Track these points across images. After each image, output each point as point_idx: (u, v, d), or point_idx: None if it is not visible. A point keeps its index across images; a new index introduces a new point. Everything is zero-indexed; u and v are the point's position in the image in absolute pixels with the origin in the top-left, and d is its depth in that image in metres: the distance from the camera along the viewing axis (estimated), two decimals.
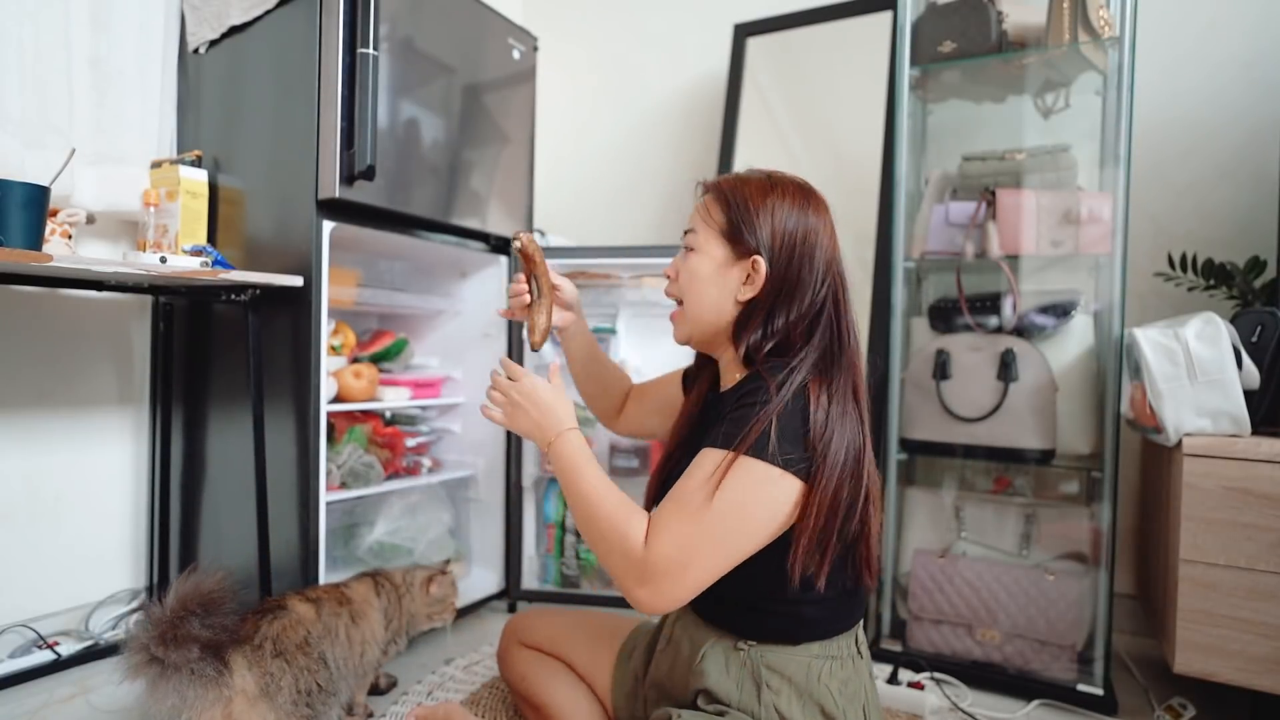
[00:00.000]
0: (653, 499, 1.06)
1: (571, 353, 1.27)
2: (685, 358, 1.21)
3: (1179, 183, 1.87)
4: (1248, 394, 1.34)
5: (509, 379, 1.01)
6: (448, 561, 1.55)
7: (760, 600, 0.94)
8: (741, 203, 0.95)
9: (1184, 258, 1.70)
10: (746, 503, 0.84)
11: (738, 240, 0.95)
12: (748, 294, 0.95)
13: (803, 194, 0.97)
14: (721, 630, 0.99)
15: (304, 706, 1.17)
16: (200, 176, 1.60)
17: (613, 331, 2.05)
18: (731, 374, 1.01)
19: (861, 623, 1.02)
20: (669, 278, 1.04)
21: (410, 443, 1.93)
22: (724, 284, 0.96)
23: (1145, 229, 1.88)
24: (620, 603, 1.88)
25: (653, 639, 1.14)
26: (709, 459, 0.86)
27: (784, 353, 0.93)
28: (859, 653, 1.00)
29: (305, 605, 1.26)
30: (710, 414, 1.02)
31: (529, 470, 1.98)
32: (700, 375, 1.12)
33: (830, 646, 0.96)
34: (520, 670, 1.26)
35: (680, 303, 1.02)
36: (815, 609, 0.94)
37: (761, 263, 0.93)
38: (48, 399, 1.63)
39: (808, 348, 0.92)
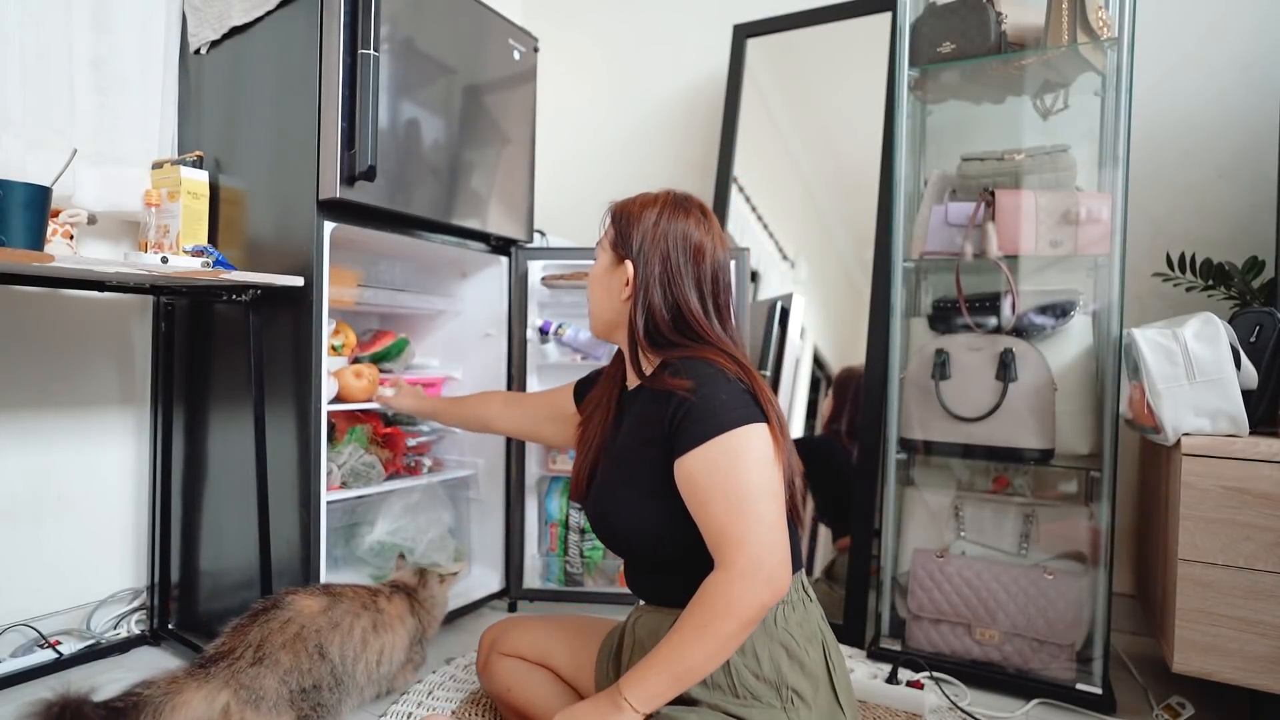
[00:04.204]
0: (582, 494, 1.18)
1: (442, 420, 1.65)
2: None
3: (1178, 183, 1.88)
4: (1246, 394, 1.34)
5: None
6: (455, 574, 1.63)
7: (703, 563, 0.94)
8: (623, 217, 1.11)
9: (1182, 258, 1.70)
10: (755, 464, 0.92)
11: (617, 248, 1.11)
12: (627, 293, 1.09)
13: (675, 204, 1.10)
14: (676, 608, 0.99)
15: (301, 702, 1.17)
16: (201, 177, 1.61)
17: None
18: (635, 364, 1.11)
19: (803, 570, 1.09)
20: None
21: (411, 442, 1.94)
22: (609, 286, 1.12)
23: (1144, 229, 1.88)
24: (622, 600, 1.89)
25: (620, 643, 1.15)
26: (700, 459, 0.93)
27: (679, 333, 1.06)
28: (808, 595, 1.07)
29: (313, 599, 1.26)
30: (626, 410, 1.13)
31: (532, 469, 1.98)
32: (604, 382, 1.24)
33: None
34: (505, 682, 1.26)
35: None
36: None
37: (630, 266, 1.08)
38: (49, 399, 1.63)
39: (697, 328, 1.05)
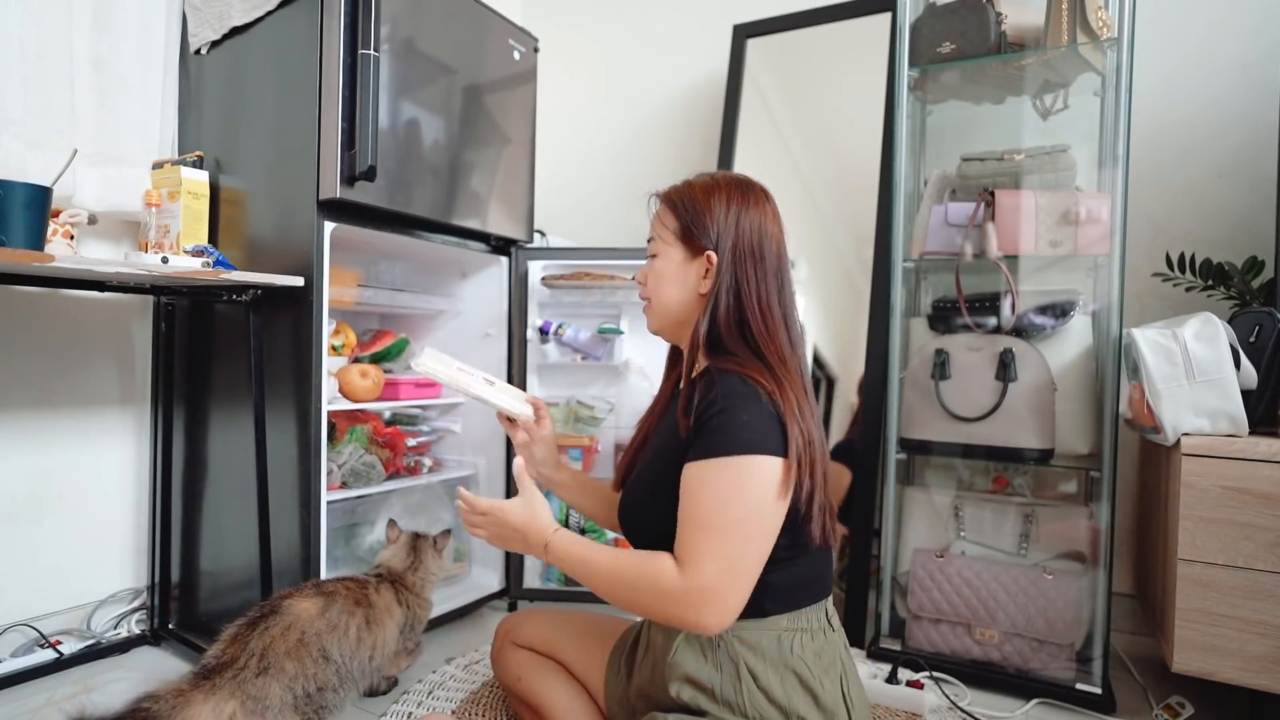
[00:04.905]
0: (621, 481, 1.17)
1: (557, 491, 1.37)
2: None
3: (1177, 183, 1.88)
4: (1245, 394, 1.34)
5: (477, 513, 1.05)
6: (447, 532, 1.60)
7: None
8: (690, 206, 1.05)
9: (1182, 258, 1.70)
10: (752, 498, 0.89)
11: (690, 240, 1.05)
12: (706, 286, 1.03)
13: (741, 189, 1.06)
14: None
15: (305, 706, 1.18)
16: (201, 177, 1.61)
17: (618, 332, 2.06)
18: (696, 366, 1.08)
19: (830, 598, 1.05)
20: (640, 283, 1.13)
21: (411, 442, 1.94)
22: (685, 281, 1.06)
23: (1144, 229, 1.89)
24: None
25: (634, 644, 1.15)
26: (703, 472, 0.91)
27: (739, 336, 1.01)
28: (830, 625, 1.03)
29: (309, 601, 1.26)
30: (670, 409, 1.10)
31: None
32: (663, 383, 1.21)
33: (799, 619, 0.98)
34: (515, 671, 1.26)
35: (648, 301, 1.12)
36: (778, 574, 0.96)
37: (714, 256, 1.02)
38: (50, 399, 1.63)
39: (755, 330, 1.00)
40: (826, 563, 1.04)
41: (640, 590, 0.91)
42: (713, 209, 1.03)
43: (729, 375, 0.95)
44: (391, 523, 1.59)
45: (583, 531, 1.97)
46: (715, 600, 0.87)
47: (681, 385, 1.11)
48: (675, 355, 1.20)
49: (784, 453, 0.91)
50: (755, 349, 0.99)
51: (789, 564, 0.97)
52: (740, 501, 0.89)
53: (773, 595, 0.97)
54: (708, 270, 1.03)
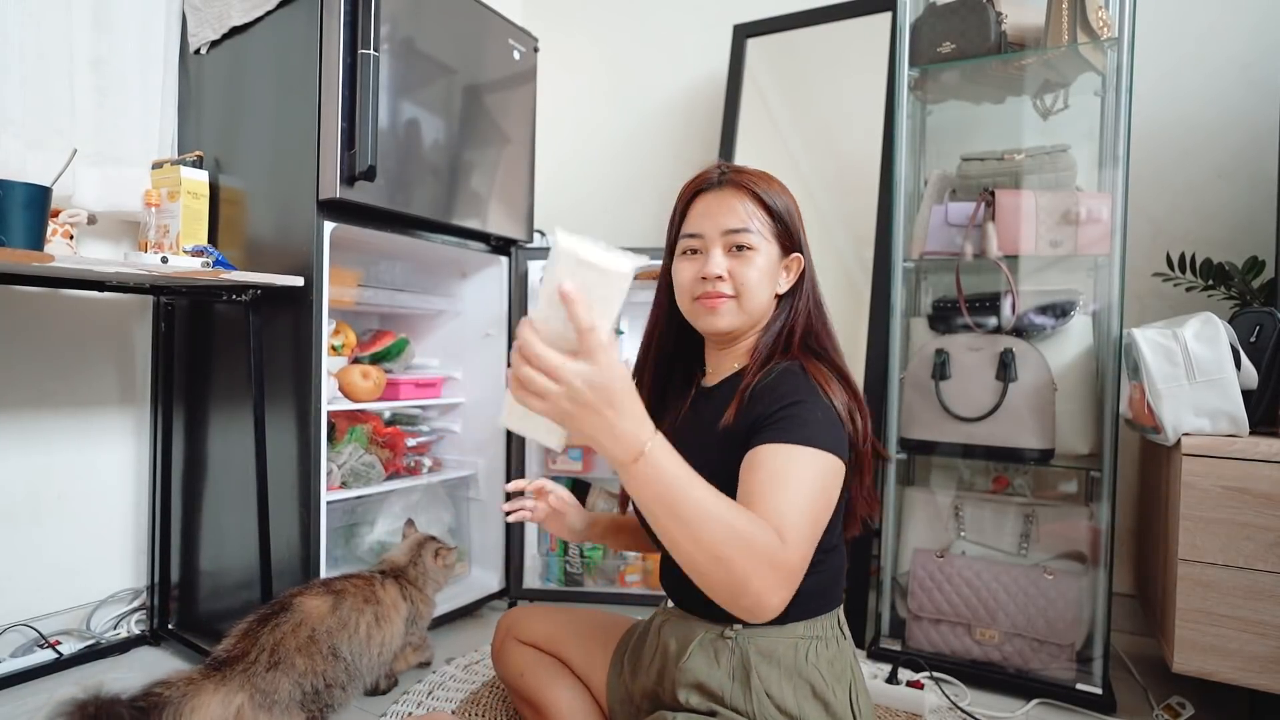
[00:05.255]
0: (629, 498, 1.12)
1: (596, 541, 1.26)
2: None
3: (1178, 183, 1.88)
4: (1246, 394, 1.34)
5: (573, 363, 0.67)
6: (452, 548, 1.60)
7: None
8: (781, 204, 1.05)
9: (1182, 258, 1.70)
10: (827, 489, 0.88)
11: (786, 239, 1.05)
12: (783, 287, 1.05)
13: (792, 194, 1.09)
14: (707, 619, 0.99)
15: (311, 703, 1.18)
16: (201, 177, 1.61)
17: (619, 332, 2.06)
18: (729, 364, 1.07)
19: (841, 606, 1.05)
20: (719, 278, 1.01)
21: (411, 442, 1.94)
22: (775, 280, 1.05)
23: (1144, 229, 1.88)
24: (622, 600, 1.88)
25: (639, 643, 1.14)
26: (789, 454, 0.86)
27: (814, 337, 1.04)
28: (842, 634, 1.03)
29: (319, 599, 1.27)
30: (702, 406, 1.07)
31: (532, 470, 1.98)
32: (667, 390, 1.15)
33: (814, 626, 0.98)
34: (517, 667, 1.26)
35: (727, 296, 1.02)
36: (802, 580, 0.95)
37: (802, 259, 1.05)
38: (49, 399, 1.63)
39: (820, 331, 1.05)
40: (842, 570, 1.03)
41: (743, 544, 0.74)
42: (795, 214, 1.06)
43: (797, 374, 0.96)
44: (409, 521, 1.63)
45: (582, 556, 1.97)
46: (791, 584, 0.78)
47: (705, 385, 1.10)
48: (669, 359, 1.15)
49: (846, 455, 0.92)
50: (829, 350, 1.03)
51: (813, 569, 0.94)
52: (820, 495, 0.87)
53: (794, 601, 0.95)
54: (788, 271, 1.05)
